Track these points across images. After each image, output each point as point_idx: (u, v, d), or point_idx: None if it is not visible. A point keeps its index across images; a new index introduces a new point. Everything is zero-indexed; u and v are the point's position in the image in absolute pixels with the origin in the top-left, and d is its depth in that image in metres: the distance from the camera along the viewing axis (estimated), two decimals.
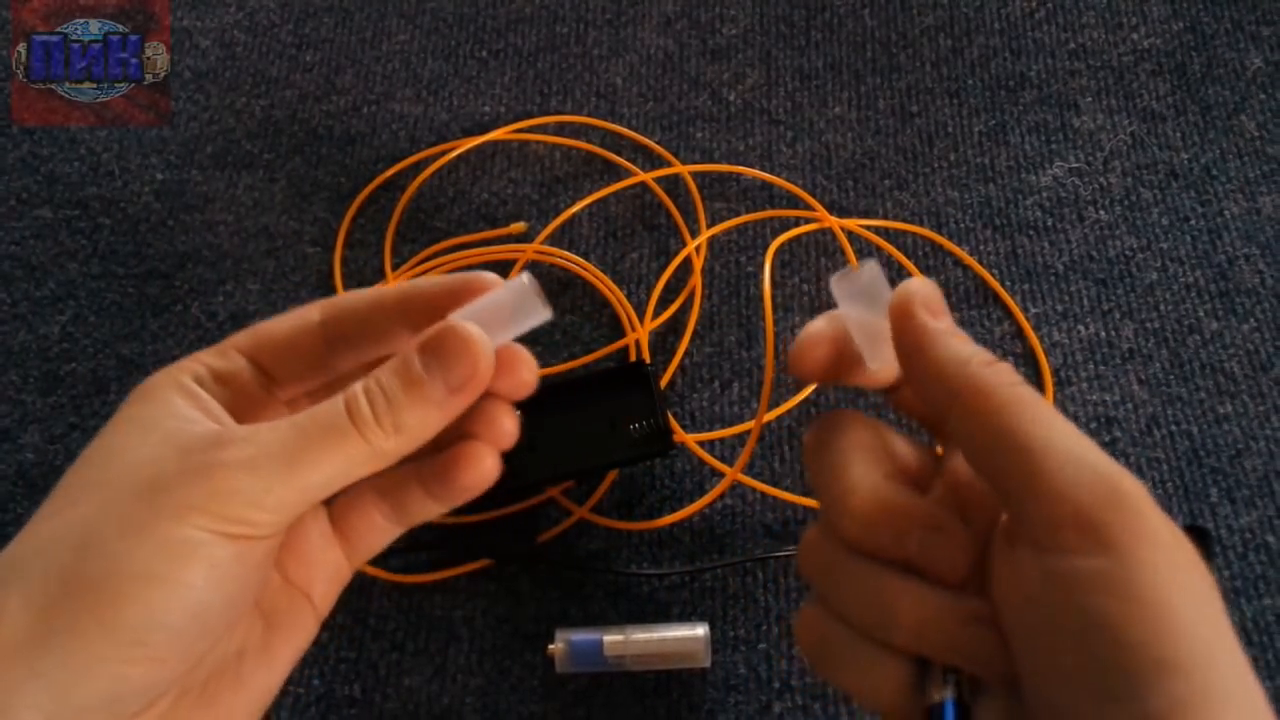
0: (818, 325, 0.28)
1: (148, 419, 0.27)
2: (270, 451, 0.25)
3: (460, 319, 0.28)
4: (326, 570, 0.31)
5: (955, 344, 0.26)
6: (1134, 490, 0.23)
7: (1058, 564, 0.23)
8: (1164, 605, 0.22)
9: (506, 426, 0.30)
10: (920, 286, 0.27)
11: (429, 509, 0.33)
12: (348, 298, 0.30)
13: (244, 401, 0.29)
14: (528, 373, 0.29)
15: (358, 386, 0.27)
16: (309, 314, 0.30)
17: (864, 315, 0.28)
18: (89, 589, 0.24)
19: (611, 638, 0.41)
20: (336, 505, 0.30)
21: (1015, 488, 0.24)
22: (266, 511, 0.25)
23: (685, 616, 0.43)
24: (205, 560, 0.24)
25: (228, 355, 0.29)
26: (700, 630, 0.41)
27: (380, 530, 0.31)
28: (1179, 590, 0.22)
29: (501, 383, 0.29)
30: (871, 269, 0.28)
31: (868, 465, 0.28)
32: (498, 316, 0.28)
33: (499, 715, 0.42)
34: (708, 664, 0.41)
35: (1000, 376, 0.25)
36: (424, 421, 0.27)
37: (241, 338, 0.29)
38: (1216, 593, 0.23)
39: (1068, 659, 0.23)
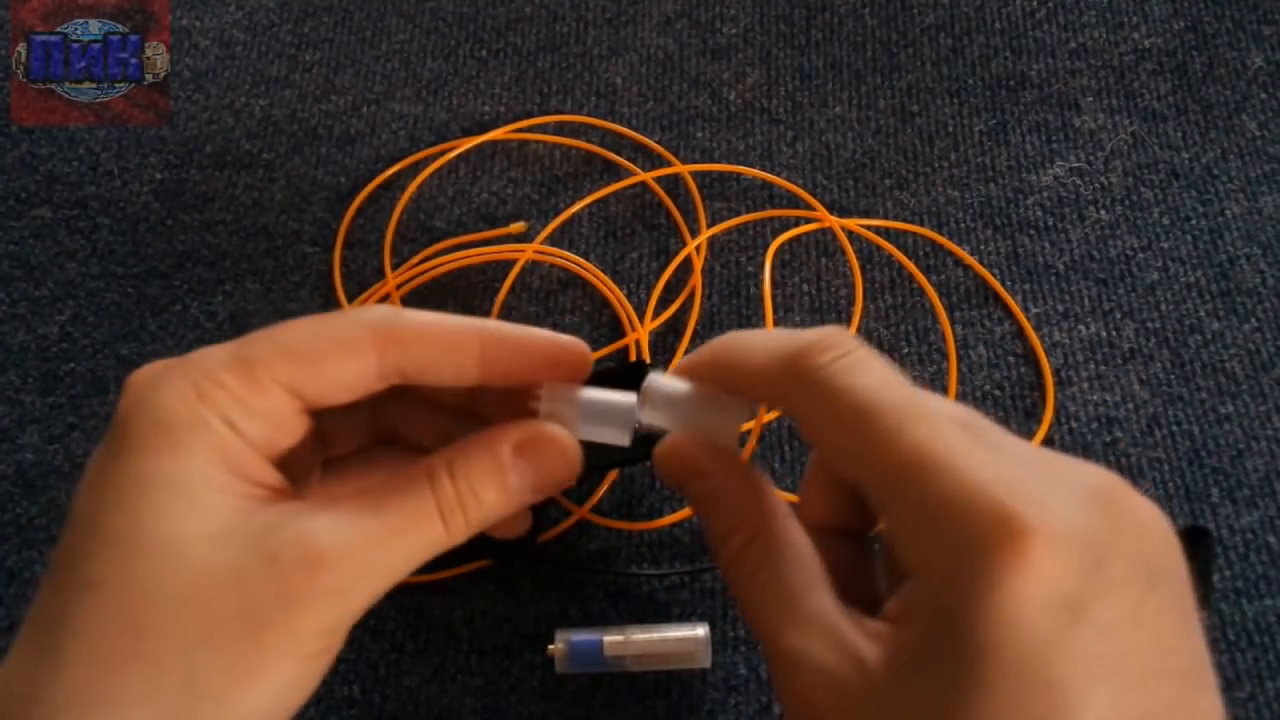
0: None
1: (190, 489, 0.23)
2: (365, 562, 0.24)
3: (556, 413, 0.27)
4: None
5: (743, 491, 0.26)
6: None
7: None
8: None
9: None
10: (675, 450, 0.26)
11: None
12: (410, 325, 0.26)
13: (277, 445, 0.26)
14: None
15: (448, 485, 0.25)
16: (357, 337, 0.25)
17: (684, 417, 0.28)
18: None
19: (611, 638, 0.41)
20: None
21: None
22: (356, 617, 0.24)
23: (685, 617, 0.43)
24: (308, 683, 0.24)
25: (266, 390, 0.25)
26: (700, 630, 0.41)
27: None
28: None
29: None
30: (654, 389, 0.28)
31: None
32: (588, 423, 0.28)
33: (499, 715, 0.41)
34: (708, 664, 0.41)
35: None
36: (501, 513, 0.26)
37: (279, 364, 0.25)
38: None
39: None
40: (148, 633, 0.22)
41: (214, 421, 0.24)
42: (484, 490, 0.26)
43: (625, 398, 0.28)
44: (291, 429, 0.26)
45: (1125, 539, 0.21)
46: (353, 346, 0.25)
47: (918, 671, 0.21)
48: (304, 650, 0.23)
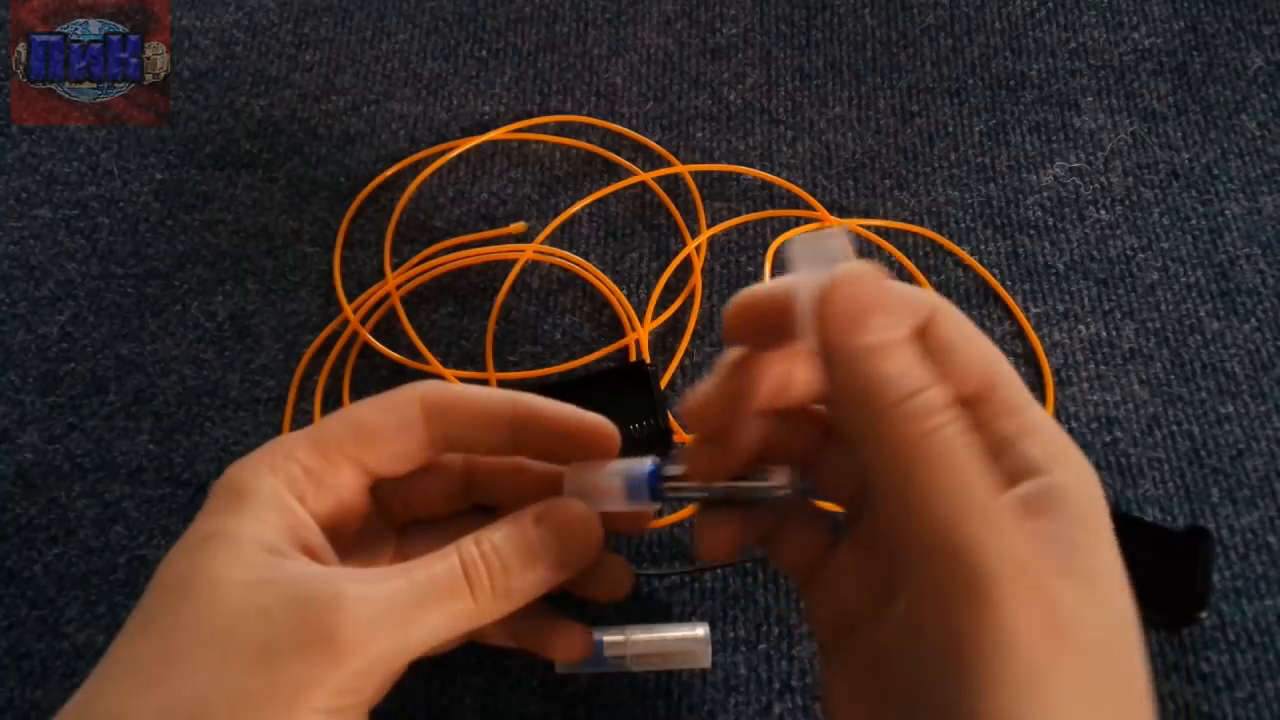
0: (759, 287, 0.28)
1: (242, 544, 0.25)
2: (386, 614, 0.24)
3: (575, 490, 0.29)
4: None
5: (879, 371, 0.23)
6: (995, 595, 0.20)
7: (917, 655, 0.22)
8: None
9: (623, 582, 0.32)
10: (845, 288, 0.23)
11: (504, 638, 0.33)
12: (451, 398, 0.29)
13: (344, 516, 0.28)
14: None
15: (474, 550, 0.27)
16: (409, 411, 0.29)
17: (812, 286, 0.24)
18: None
19: (611, 638, 0.41)
20: None
21: (899, 567, 0.23)
22: (377, 677, 0.25)
23: (685, 617, 0.43)
24: None
25: (332, 460, 0.28)
26: (700, 630, 0.41)
27: (451, 644, 0.31)
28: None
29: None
30: (834, 236, 0.25)
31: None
32: (609, 497, 0.29)
33: (498, 715, 0.41)
34: (708, 664, 0.41)
35: (919, 427, 0.22)
36: (531, 590, 0.27)
37: (344, 436, 0.28)
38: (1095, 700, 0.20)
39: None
40: (172, 662, 0.23)
41: (279, 489, 0.26)
42: (508, 555, 0.27)
43: (639, 469, 0.29)
44: (356, 504, 0.29)
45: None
46: (408, 421, 0.28)
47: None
48: (314, 701, 0.23)
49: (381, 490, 0.30)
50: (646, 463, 0.29)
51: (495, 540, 0.27)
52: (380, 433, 0.28)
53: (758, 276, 0.51)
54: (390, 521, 0.32)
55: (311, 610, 0.24)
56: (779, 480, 0.28)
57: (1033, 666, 0.20)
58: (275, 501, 0.26)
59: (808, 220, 0.53)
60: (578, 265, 0.52)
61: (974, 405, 0.25)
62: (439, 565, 0.26)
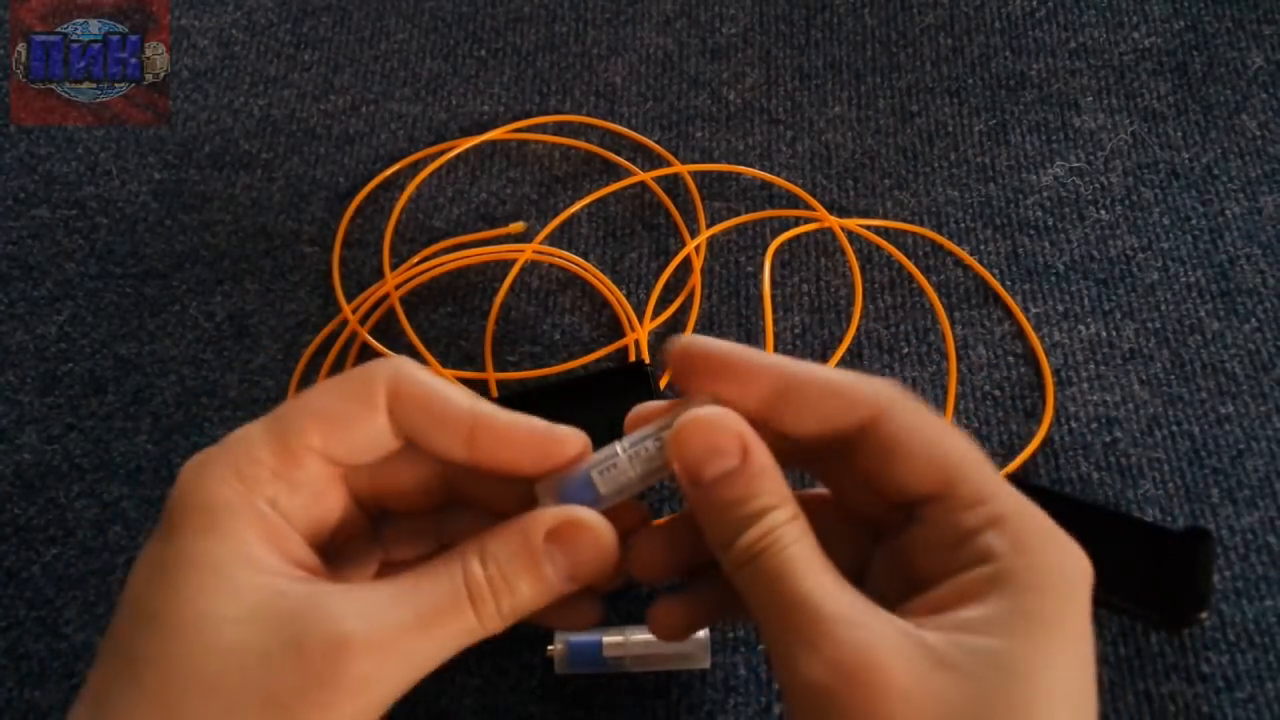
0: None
1: (224, 570, 0.24)
2: (393, 652, 0.24)
3: (573, 496, 0.27)
4: None
5: (730, 517, 0.25)
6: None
7: None
8: None
9: (614, 578, 0.29)
10: (689, 443, 0.25)
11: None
12: (417, 390, 0.26)
13: (320, 513, 0.27)
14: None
15: (479, 571, 0.25)
16: (375, 395, 0.26)
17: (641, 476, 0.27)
18: None
19: (611, 639, 0.41)
20: None
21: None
22: (382, 710, 0.24)
23: None
24: None
25: (298, 455, 0.25)
26: (700, 632, 0.41)
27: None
28: None
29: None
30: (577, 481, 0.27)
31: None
32: (592, 493, 0.27)
33: (498, 716, 0.41)
34: (707, 665, 0.41)
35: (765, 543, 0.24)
36: (537, 604, 0.26)
37: (307, 427, 0.25)
38: None
39: None
40: (170, 713, 0.22)
41: (255, 501, 0.25)
42: (516, 577, 0.25)
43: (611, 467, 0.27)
44: (329, 498, 0.27)
45: None
46: (373, 406, 0.26)
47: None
48: None
49: (352, 479, 0.28)
50: (616, 455, 0.28)
51: (501, 559, 0.25)
52: (346, 419, 0.26)
53: (757, 276, 0.51)
54: (364, 509, 0.30)
55: (315, 655, 0.23)
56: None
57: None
58: (249, 513, 0.24)
59: (807, 220, 0.53)
60: (577, 265, 0.52)
61: (932, 502, 0.25)
62: (442, 585, 0.25)
